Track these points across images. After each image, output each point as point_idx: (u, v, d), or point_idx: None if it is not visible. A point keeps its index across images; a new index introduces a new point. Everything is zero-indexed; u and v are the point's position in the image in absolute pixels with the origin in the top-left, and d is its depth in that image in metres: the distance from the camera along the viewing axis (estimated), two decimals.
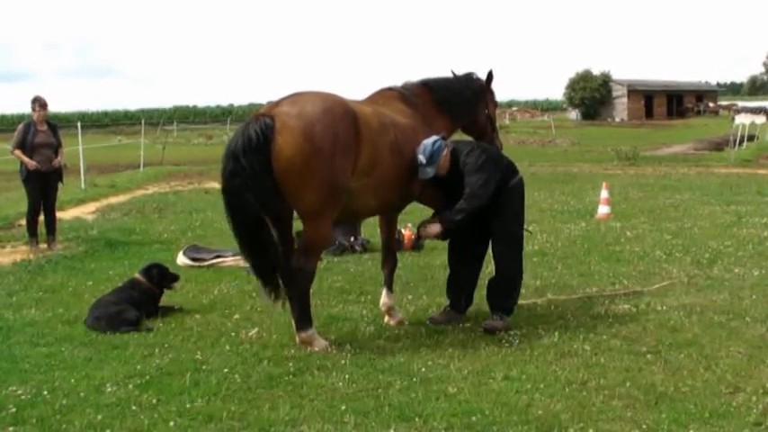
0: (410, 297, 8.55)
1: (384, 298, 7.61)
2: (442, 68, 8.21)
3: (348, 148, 6.55)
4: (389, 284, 7.64)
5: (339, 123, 6.52)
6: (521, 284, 7.61)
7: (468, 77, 7.96)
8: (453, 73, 7.92)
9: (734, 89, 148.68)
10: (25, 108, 13.45)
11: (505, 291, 7.37)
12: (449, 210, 7.19)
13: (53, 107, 13.53)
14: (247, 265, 7.68)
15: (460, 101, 7.78)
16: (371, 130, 6.80)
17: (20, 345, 6.98)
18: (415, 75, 8.02)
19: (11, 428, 5.15)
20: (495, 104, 8.24)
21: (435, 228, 7.27)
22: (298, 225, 6.85)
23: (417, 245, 11.33)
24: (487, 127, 8.08)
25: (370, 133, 6.76)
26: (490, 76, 8.09)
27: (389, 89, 7.67)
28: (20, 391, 5.77)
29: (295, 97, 6.69)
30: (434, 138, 7.15)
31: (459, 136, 8.10)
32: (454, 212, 7.12)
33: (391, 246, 7.79)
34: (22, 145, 11.97)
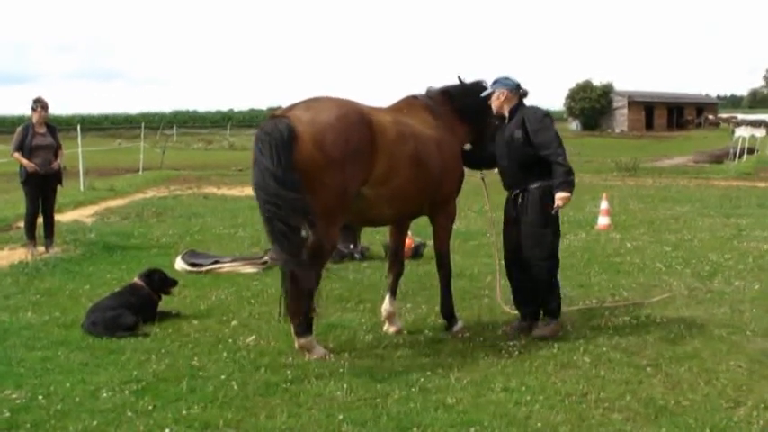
0: (409, 306, 8.50)
1: (386, 304, 7.54)
2: (444, 76, 8.16)
3: (360, 156, 6.41)
4: (393, 291, 7.59)
5: (352, 131, 6.38)
6: (558, 285, 7.53)
7: (481, 86, 7.90)
8: (460, 79, 7.88)
9: (734, 102, 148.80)
10: (26, 110, 13.40)
11: (544, 294, 7.36)
12: (558, 181, 7.09)
13: (56, 109, 13.52)
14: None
15: (478, 109, 7.71)
16: (388, 139, 6.68)
17: (15, 348, 6.94)
18: (418, 82, 7.97)
19: None
20: None
21: (565, 195, 7.11)
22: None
23: (417, 253, 11.30)
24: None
25: (386, 142, 6.64)
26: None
27: (414, 97, 7.58)
28: (14, 395, 5.72)
29: (310, 102, 6.54)
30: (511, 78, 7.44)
31: None
32: (564, 175, 7.08)
33: (399, 252, 7.74)
34: (21, 147, 11.95)
